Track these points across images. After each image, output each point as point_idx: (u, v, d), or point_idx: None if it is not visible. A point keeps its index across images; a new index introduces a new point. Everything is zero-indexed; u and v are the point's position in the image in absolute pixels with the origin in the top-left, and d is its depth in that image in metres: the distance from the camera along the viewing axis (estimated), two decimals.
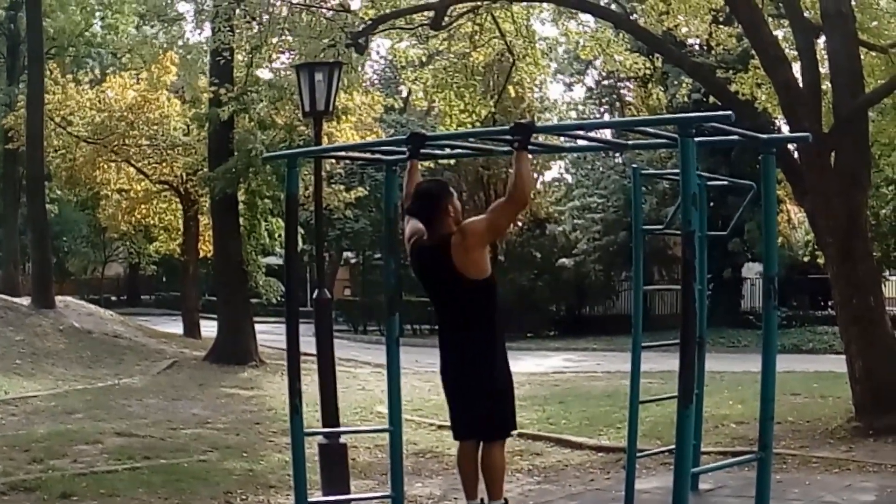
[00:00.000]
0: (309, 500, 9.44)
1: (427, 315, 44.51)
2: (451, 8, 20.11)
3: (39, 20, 35.45)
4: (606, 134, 22.58)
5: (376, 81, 50.88)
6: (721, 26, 23.10)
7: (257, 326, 30.22)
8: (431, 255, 8.24)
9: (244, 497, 12.23)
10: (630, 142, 10.51)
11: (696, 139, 7.25)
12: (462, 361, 8.33)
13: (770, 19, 18.72)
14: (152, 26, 42.94)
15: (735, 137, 8.81)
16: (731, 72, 21.81)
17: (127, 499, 11.71)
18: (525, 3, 21.84)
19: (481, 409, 8.30)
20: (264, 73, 25.46)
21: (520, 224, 49.25)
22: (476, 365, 8.26)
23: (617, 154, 46.34)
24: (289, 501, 11.41)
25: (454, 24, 21.34)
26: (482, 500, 8.44)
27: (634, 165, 12.16)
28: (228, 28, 20.35)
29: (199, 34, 33.58)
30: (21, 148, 36.54)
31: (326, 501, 11.53)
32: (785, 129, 23.12)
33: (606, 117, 49.81)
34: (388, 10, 20.43)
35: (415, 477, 13.53)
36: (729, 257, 42.33)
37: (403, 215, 8.94)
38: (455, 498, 12.38)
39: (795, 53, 17.21)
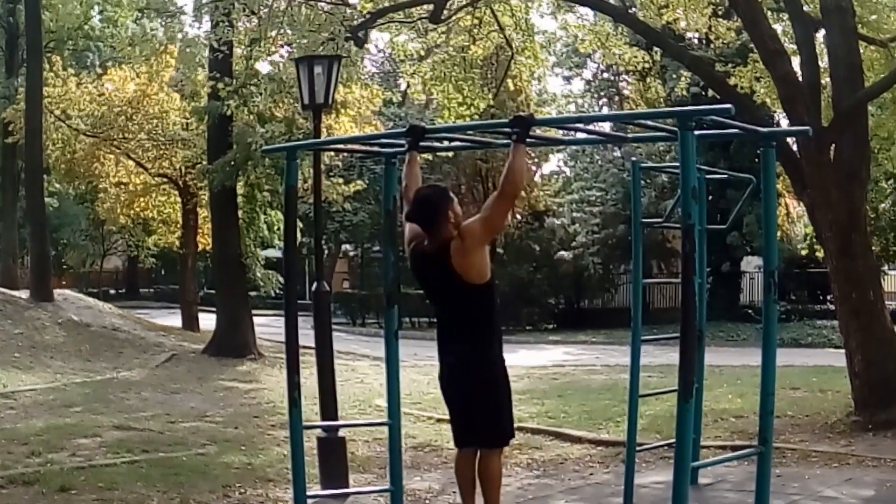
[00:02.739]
0: (307, 493, 9.43)
1: (426, 308, 44.55)
2: (450, 1, 20.10)
3: (38, 13, 35.45)
4: (605, 127, 22.55)
5: (375, 75, 50.90)
6: (720, 20, 23.08)
7: (256, 319, 30.20)
8: (432, 260, 8.23)
9: (243, 490, 12.20)
10: (629, 135, 10.51)
11: (696, 132, 7.23)
12: (460, 369, 8.36)
13: (769, 13, 18.69)
14: (151, 20, 42.95)
15: (735, 131, 8.79)
16: (730, 65, 21.80)
17: (125, 492, 11.68)
18: None
19: (479, 417, 8.36)
20: (263, 67, 25.47)
21: (518, 217, 49.23)
22: (474, 374, 8.29)
23: (616, 147, 46.38)
24: (287, 495, 11.39)
25: (453, 18, 21.32)
26: None
27: (633, 159, 12.14)
28: (227, 22, 20.33)
29: (198, 28, 33.61)
30: (20, 141, 36.48)
31: (325, 495, 11.52)
32: (784, 122, 23.06)
33: (605, 110, 49.82)
34: (386, 4, 20.42)
35: (413, 471, 13.50)
36: (728, 251, 42.34)
37: (402, 206, 8.94)
38: (453, 492, 12.38)
39: (795, 47, 17.20)
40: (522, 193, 47.69)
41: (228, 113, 26.06)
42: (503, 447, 8.66)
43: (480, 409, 8.35)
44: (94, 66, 46.43)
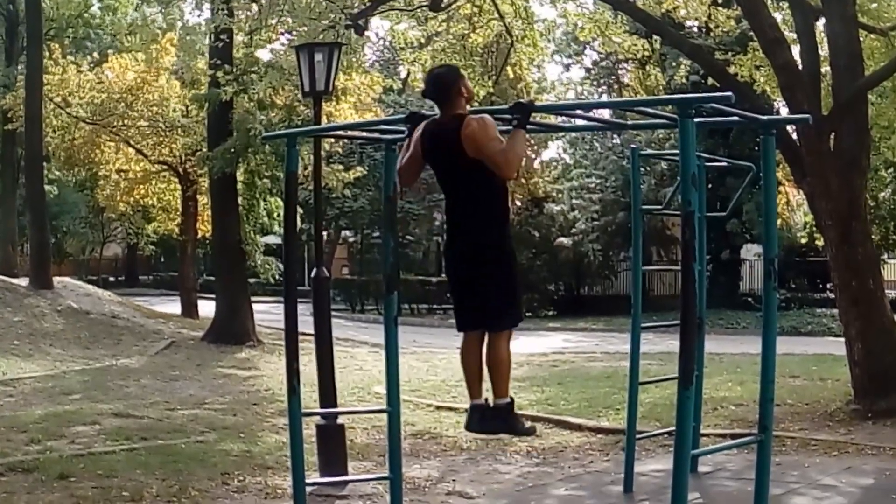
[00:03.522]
0: (306, 480, 9.43)
1: (425, 295, 44.61)
2: None
3: (38, 1, 35.42)
4: (605, 114, 22.57)
5: (375, 62, 50.90)
6: (720, 8, 23.05)
7: (255, 306, 30.24)
8: (442, 132, 8.11)
9: (241, 478, 12.19)
10: (629, 122, 10.48)
11: (696, 120, 7.22)
12: (464, 252, 8.19)
13: (769, 1, 18.65)
14: (151, 5, 42.90)
15: (734, 119, 8.78)
16: (729, 54, 21.76)
17: (124, 479, 11.67)
18: None
19: (488, 296, 8.14)
20: (264, 55, 25.46)
21: (518, 203, 49.17)
22: (480, 255, 8.13)
23: (615, 134, 46.33)
24: (286, 482, 11.39)
25: (453, 6, 21.31)
26: (486, 399, 8.30)
27: (633, 146, 12.11)
28: (227, 11, 20.30)
29: (199, 15, 33.62)
30: (20, 128, 36.48)
31: (324, 482, 11.52)
32: (784, 111, 23.02)
33: (605, 98, 49.72)
34: None
35: (412, 458, 13.50)
36: (728, 239, 42.35)
37: (399, 191, 8.96)
38: (452, 480, 12.39)
39: (795, 36, 17.17)
40: (522, 180, 47.73)
41: (226, 99, 26.05)
42: (511, 330, 8.32)
43: (485, 291, 8.15)
44: (92, 53, 46.45)
